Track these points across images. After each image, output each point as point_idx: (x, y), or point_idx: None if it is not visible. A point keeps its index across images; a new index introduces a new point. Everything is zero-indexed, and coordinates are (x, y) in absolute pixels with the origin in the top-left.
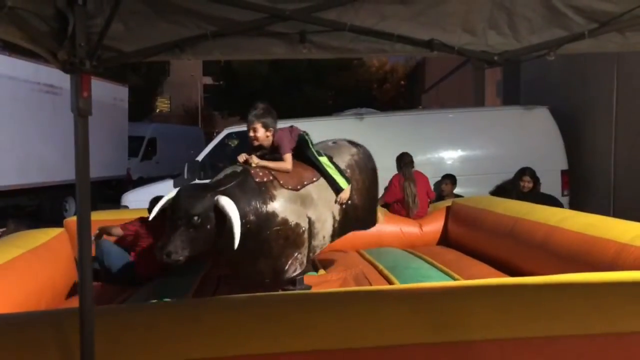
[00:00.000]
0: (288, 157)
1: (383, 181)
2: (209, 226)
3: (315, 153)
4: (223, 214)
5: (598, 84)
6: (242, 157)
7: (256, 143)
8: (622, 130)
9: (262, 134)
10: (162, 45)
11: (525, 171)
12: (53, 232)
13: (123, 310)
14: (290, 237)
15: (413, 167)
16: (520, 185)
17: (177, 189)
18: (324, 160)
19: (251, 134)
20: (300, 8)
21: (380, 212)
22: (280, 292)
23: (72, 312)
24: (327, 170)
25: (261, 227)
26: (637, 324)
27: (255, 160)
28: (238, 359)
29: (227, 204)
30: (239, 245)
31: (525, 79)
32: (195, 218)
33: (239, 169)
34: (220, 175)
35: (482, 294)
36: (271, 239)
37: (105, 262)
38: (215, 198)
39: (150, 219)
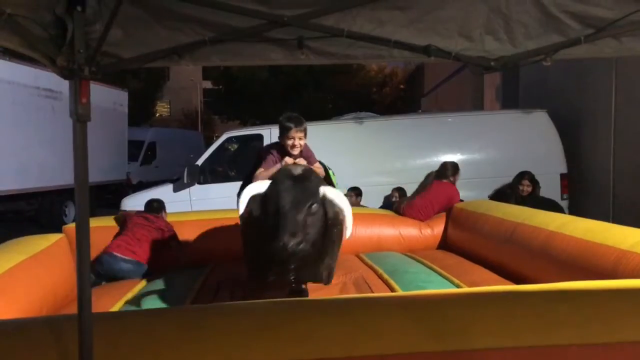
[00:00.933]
0: (319, 165)
1: (383, 188)
2: (318, 217)
3: (326, 165)
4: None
5: (597, 88)
6: (289, 161)
7: (297, 151)
8: (621, 133)
9: (303, 143)
10: (160, 52)
11: (524, 175)
12: (53, 238)
13: (122, 316)
14: (341, 236)
15: (441, 176)
16: (519, 189)
17: (264, 183)
18: (331, 172)
19: (296, 142)
20: (298, 14)
21: None
22: (280, 300)
23: (71, 318)
24: (335, 184)
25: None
26: (638, 333)
27: (303, 162)
28: None
29: (337, 195)
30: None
31: (524, 83)
32: (314, 206)
33: (300, 168)
34: (295, 172)
35: (483, 302)
36: (336, 237)
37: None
38: (322, 190)
39: (241, 212)
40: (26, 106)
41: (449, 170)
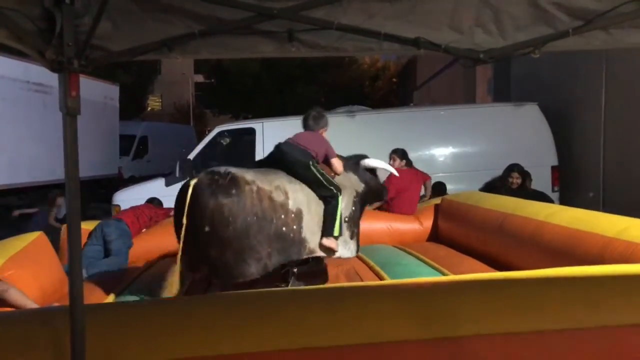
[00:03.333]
0: None
1: None
2: None
3: None
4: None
5: (587, 81)
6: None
7: None
8: (611, 126)
9: None
10: (150, 44)
11: (513, 168)
12: (30, 237)
13: (113, 308)
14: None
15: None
16: (509, 182)
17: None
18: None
19: None
20: (287, 6)
21: None
22: (269, 290)
23: (63, 310)
24: None
25: None
26: (623, 317)
27: None
28: (228, 358)
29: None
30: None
31: (515, 76)
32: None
33: None
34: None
35: (471, 290)
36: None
37: (107, 239)
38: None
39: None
40: (16, 101)
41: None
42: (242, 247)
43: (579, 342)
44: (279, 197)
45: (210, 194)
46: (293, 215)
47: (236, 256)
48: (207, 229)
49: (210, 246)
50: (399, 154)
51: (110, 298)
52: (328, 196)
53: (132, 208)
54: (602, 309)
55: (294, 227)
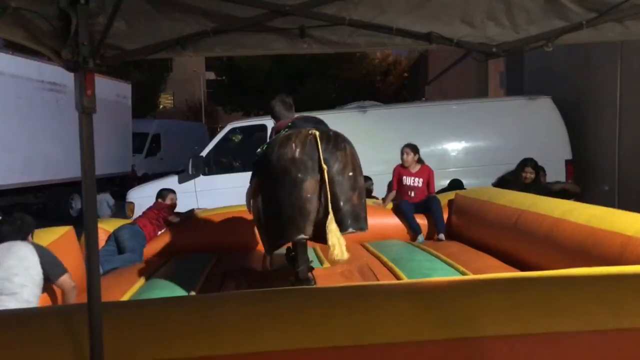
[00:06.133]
0: None
1: (388, 177)
2: None
3: None
4: None
5: (602, 73)
6: None
7: None
8: (627, 119)
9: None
10: (163, 43)
11: (527, 162)
12: (61, 231)
13: (131, 306)
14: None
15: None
16: (522, 177)
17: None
18: None
19: None
20: (299, 3)
21: None
22: (288, 288)
23: (81, 307)
24: None
25: None
26: None
27: None
28: (245, 357)
29: None
30: None
31: (528, 69)
32: None
33: None
34: None
35: (491, 290)
36: None
37: (120, 239)
38: None
39: None
40: (31, 100)
41: None
42: (364, 201)
43: (599, 345)
44: None
45: (344, 141)
46: None
47: (363, 208)
48: (351, 172)
49: (354, 190)
50: (412, 148)
51: (128, 294)
52: None
53: (144, 214)
54: (624, 311)
55: None
